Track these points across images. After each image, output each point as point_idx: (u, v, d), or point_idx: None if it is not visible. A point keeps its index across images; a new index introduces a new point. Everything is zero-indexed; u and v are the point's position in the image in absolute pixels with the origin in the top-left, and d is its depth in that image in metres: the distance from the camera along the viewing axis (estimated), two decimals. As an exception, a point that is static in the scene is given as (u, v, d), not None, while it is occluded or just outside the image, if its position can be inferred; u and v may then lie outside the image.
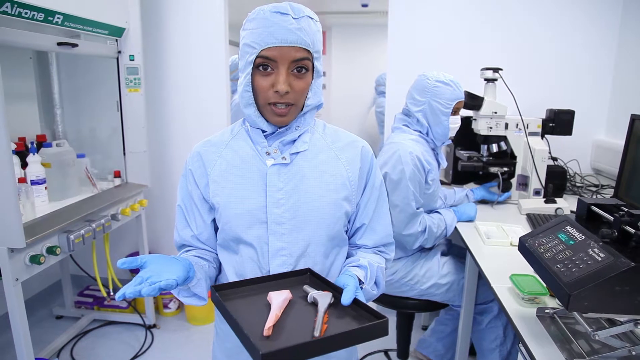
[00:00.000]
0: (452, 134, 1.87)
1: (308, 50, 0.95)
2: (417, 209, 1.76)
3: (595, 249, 0.90)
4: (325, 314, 0.87)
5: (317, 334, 0.80)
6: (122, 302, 2.78)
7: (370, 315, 0.86)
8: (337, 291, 0.92)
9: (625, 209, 0.96)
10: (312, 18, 0.97)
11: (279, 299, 0.90)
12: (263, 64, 0.94)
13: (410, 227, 1.75)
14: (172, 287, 0.83)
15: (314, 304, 0.91)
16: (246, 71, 0.97)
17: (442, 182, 2.34)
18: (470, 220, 1.90)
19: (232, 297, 0.94)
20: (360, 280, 0.99)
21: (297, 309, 0.91)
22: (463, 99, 1.85)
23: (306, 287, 0.96)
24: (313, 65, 0.98)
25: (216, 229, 1.11)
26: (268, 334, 0.81)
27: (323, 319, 0.85)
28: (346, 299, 0.87)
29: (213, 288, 0.95)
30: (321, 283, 0.98)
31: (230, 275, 1.07)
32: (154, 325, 2.72)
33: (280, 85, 0.93)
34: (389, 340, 2.15)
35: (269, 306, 0.89)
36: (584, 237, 0.97)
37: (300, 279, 1.01)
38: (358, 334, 0.80)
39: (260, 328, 0.82)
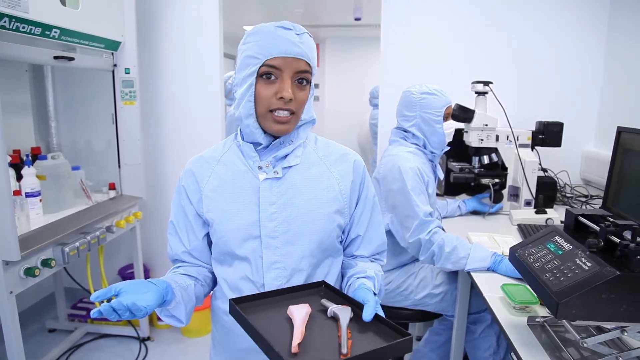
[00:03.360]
0: (449, 139, 1.91)
1: (309, 65, 0.99)
2: (426, 217, 1.72)
3: (583, 259, 0.93)
4: (348, 330, 0.86)
5: (344, 351, 0.80)
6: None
7: (391, 330, 0.86)
8: (355, 305, 0.92)
9: (611, 220, 0.98)
10: (311, 36, 1.02)
11: (300, 313, 0.89)
12: (267, 73, 0.97)
13: (415, 233, 1.72)
14: (140, 311, 0.84)
15: (334, 318, 0.90)
16: (248, 82, 0.98)
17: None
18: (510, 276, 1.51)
19: (251, 311, 0.93)
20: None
21: (318, 324, 0.90)
22: (450, 104, 1.89)
23: (324, 301, 0.95)
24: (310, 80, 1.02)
25: (210, 243, 1.12)
26: (296, 351, 0.80)
27: (347, 335, 0.84)
28: (368, 315, 0.87)
29: (232, 301, 0.94)
30: (337, 296, 0.99)
31: (225, 288, 1.08)
32: (148, 338, 2.70)
33: (285, 92, 0.96)
34: (384, 351, 2.16)
35: (289, 320, 0.89)
36: (571, 247, 0.99)
37: (315, 291, 1.01)
38: (385, 351, 0.80)
39: (284, 343, 0.82)
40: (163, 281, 0.95)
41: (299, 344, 0.82)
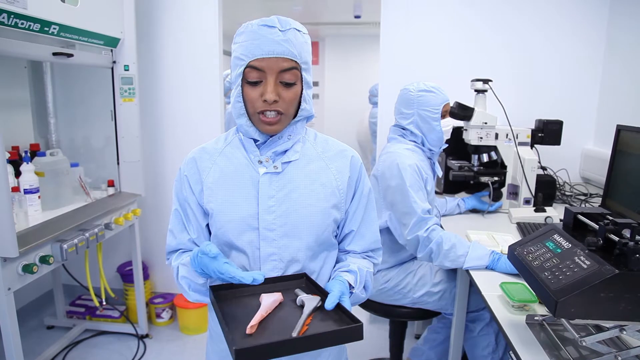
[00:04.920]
0: (447, 136, 1.90)
1: (296, 62, 0.98)
2: (424, 215, 1.72)
3: (582, 257, 0.92)
4: (310, 317, 0.91)
5: (294, 334, 0.84)
6: (114, 311, 2.77)
7: (350, 320, 0.89)
8: (325, 295, 0.95)
9: (610, 218, 0.98)
10: (299, 30, 1.00)
11: (268, 300, 0.95)
12: (252, 75, 0.98)
13: (413, 230, 1.72)
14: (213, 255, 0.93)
15: (302, 306, 0.94)
16: (237, 82, 1.01)
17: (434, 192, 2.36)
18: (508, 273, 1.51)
19: (228, 298, 0.99)
20: (350, 284, 1.03)
21: (285, 311, 0.95)
22: (448, 101, 1.89)
23: (297, 291, 1.00)
24: (302, 76, 1.01)
25: (209, 233, 1.14)
26: (250, 332, 0.86)
27: (305, 321, 0.89)
28: (329, 304, 0.92)
29: (210, 288, 0.99)
30: (313, 287, 1.02)
31: None
32: (147, 335, 2.70)
33: (268, 95, 0.97)
34: (382, 349, 2.16)
35: (259, 306, 0.93)
36: (570, 245, 0.99)
37: (296, 282, 1.04)
38: (332, 335, 0.84)
39: (246, 326, 0.87)
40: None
41: (259, 327, 0.87)
